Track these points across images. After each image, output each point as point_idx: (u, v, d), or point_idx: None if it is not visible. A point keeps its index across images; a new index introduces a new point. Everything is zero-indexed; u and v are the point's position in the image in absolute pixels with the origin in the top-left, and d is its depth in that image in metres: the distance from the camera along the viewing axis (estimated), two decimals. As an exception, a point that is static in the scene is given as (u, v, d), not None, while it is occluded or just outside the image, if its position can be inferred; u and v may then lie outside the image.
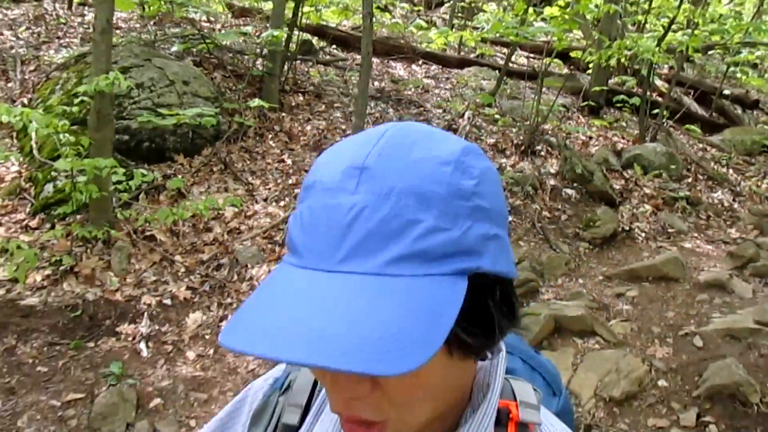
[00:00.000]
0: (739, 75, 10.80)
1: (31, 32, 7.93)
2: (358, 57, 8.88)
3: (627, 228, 5.40)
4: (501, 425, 0.63)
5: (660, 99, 8.72)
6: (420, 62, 9.59)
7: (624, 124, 8.57)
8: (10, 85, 6.24)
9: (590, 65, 8.80)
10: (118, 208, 4.45)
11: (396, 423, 0.56)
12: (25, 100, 5.97)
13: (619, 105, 8.57)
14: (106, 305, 3.78)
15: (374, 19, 7.97)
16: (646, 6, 9.67)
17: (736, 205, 6.48)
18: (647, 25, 10.56)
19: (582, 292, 4.14)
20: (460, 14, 13.32)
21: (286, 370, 0.78)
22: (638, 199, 6.06)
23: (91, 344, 3.48)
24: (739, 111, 10.76)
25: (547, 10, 7.93)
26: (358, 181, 0.51)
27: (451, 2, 13.73)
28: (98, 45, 4.10)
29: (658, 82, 10.50)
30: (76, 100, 4.08)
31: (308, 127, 6.45)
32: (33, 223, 4.52)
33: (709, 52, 10.81)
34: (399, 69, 9.17)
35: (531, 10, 8.60)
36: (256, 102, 5.30)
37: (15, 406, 2.95)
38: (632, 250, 5.06)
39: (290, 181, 5.46)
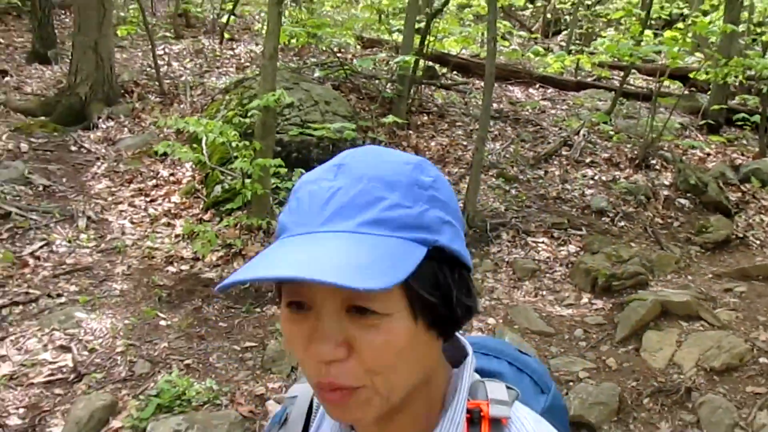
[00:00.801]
0: None
1: (194, 63, 9.20)
2: (477, 82, 9.49)
3: (741, 236, 5.57)
4: (475, 425, 0.68)
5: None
6: (537, 86, 10.03)
7: (744, 142, 8.55)
8: (182, 106, 7.38)
9: (710, 85, 8.88)
10: (275, 205, 5.27)
11: (370, 390, 0.61)
12: (194, 119, 7.04)
13: (739, 123, 8.57)
14: (267, 282, 4.54)
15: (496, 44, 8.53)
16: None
17: None
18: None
19: (690, 285, 4.43)
20: (577, 41, 13.64)
21: (284, 406, 0.83)
22: (755, 210, 6.17)
23: (258, 309, 4.24)
24: None
25: (667, 33, 8.18)
26: (336, 173, 0.62)
27: (569, 29, 14.09)
28: (266, 68, 4.97)
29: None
30: (249, 114, 4.93)
31: (432, 143, 7.09)
32: (206, 217, 5.44)
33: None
34: (516, 92, 9.66)
35: (650, 33, 8.86)
36: (390, 118, 6.01)
37: (206, 348, 3.73)
38: (745, 256, 5.23)
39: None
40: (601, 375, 3.52)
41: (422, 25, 7.59)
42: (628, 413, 3.19)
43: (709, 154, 7.72)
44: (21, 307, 3.92)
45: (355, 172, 0.62)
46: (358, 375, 0.60)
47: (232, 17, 11.30)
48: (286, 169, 4.85)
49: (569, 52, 11.00)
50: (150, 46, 8.17)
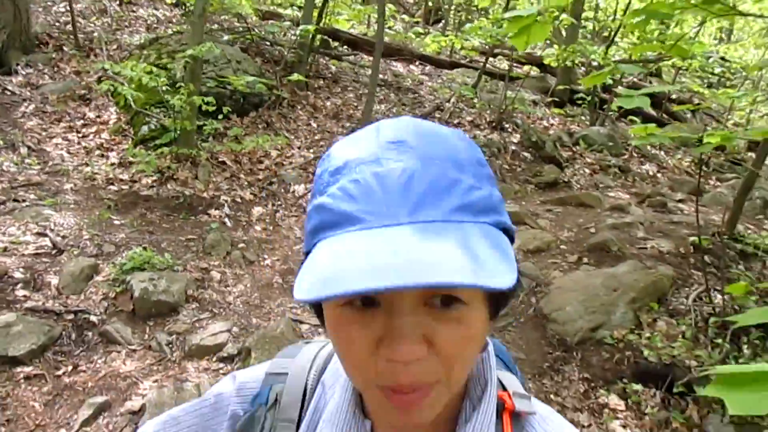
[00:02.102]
0: (686, 82, 12.70)
1: (102, 21, 9.76)
2: (365, 56, 10.74)
3: (566, 180, 7.24)
4: (497, 416, 0.67)
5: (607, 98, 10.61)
6: (417, 63, 11.46)
7: (583, 117, 10.44)
8: (100, 58, 8.05)
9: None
10: (198, 142, 6.26)
11: (445, 386, 0.59)
12: (113, 71, 7.77)
13: (579, 102, 10.46)
14: (198, 199, 5.57)
15: (376, 29, 9.86)
16: (612, 23, 11.60)
17: (659, 175, 8.34)
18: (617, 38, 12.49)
19: (522, 205, 5.96)
20: (453, 28, 15.26)
21: (265, 384, 0.77)
22: (579, 164, 7.91)
23: (193, 217, 5.27)
24: (689, 115, 12.69)
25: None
26: (399, 152, 0.57)
27: (445, 18, 15.70)
28: (195, 25, 5.95)
29: (620, 89, 12.40)
30: (181, 63, 5.88)
31: (328, 103, 8.28)
32: (135, 151, 6.32)
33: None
34: (399, 67, 11.03)
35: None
36: (295, 76, 7.13)
37: (157, 239, 4.74)
38: (566, 192, 6.89)
39: (316, 137, 7.29)
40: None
41: (319, 2, 8.73)
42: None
43: (552, 124, 9.47)
44: (-6, 207, 4.73)
45: (420, 150, 0.58)
46: (437, 370, 0.57)
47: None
48: (215, 107, 5.87)
49: (444, 35, 12.53)
50: (66, 2, 8.68)
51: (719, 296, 4.21)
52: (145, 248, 4.39)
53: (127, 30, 9.34)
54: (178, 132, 5.86)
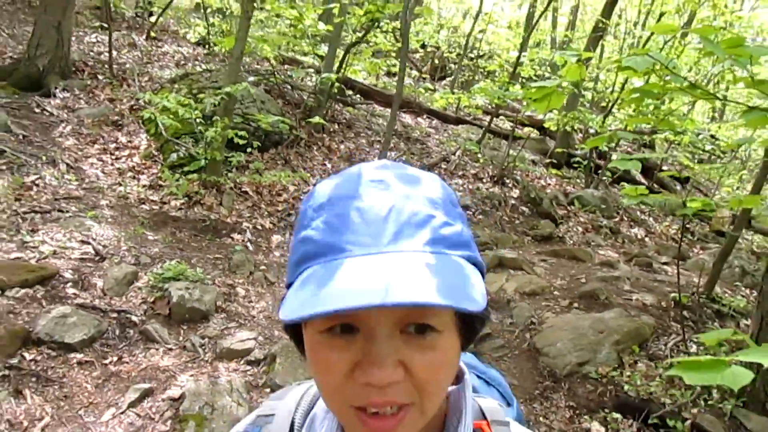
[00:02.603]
0: (677, 156, 13.41)
1: (132, 54, 10.38)
2: (376, 107, 11.38)
3: (561, 235, 7.75)
4: None
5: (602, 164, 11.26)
6: (424, 116, 12.11)
7: (578, 180, 11.05)
8: (132, 88, 8.61)
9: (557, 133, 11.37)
10: (225, 172, 6.75)
11: (418, 409, 0.62)
12: (144, 102, 8.32)
13: (575, 165, 11.08)
14: (222, 223, 6.03)
15: (386, 81, 10.50)
16: (611, 95, 12.35)
17: (647, 239, 8.88)
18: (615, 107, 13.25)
19: (519, 253, 6.45)
20: (459, 87, 16.04)
21: (255, 426, 0.81)
22: (573, 222, 8.44)
23: (218, 239, 5.72)
24: (679, 186, 13.35)
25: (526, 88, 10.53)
26: (378, 189, 0.63)
27: (453, 76, 16.50)
28: (233, 65, 6.52)
29: (615, 156, 13.09)
30: (218, 98, 6.41)
31: (342, 146, 8.84)
32: (168, 174, 6.80)
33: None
34: (408, 119, 11.67)
35: (518, 87, 11.23)
36: (315, 119, 7.69)
37: (187, 255, 5.17)
38: (560, 246, 7.39)
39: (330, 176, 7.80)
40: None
41: (339, 53, 9.38)
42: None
43: (549, 184, 10.04)
44: (39, 215, 5.16)
45: (399, 188, 0.63)
46: (411, 392, 0.60)
47: (159, 18, 12.55)
48: (245, 140, 6.39)
49: (452, 92, 13.25)
50: (108, 34, 9.29)
51: (694, 346, 4.68)
52: (179, 262, 4.82)
53: (157, 64, 9.94)
54: (207, 161, 6.35)
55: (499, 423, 0.72)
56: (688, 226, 9.59)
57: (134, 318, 4.08)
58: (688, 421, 3.90)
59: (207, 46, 11.82)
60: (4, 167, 5.93)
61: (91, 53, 9.77)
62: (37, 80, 8.43)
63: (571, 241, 7.79)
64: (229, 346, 3.98)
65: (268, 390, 3.62)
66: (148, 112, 6.22)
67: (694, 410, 4.01)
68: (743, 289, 6.53)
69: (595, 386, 4.17)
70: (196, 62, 10.68)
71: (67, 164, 6.47)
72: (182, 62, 10.50)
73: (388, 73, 14.11)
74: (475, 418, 0.71)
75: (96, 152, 7.02)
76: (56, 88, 8.32)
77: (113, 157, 6.99)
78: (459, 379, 0.73)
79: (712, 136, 12.71)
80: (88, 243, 4.84)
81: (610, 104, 10.03)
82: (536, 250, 6.92)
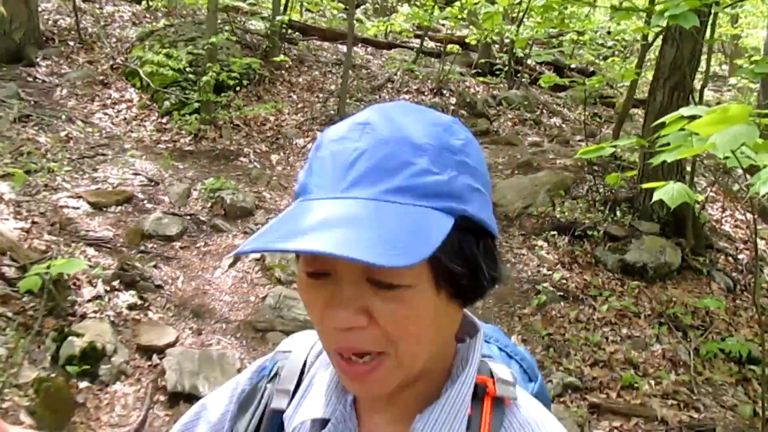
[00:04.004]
0: (583, 53, 15.25)
1: (86, 19, 11.17)
2: (315, 41, 12.57)
3: (495, 130, 9.43)
4: (478, 399, 0.68)
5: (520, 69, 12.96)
6: (359, 45, 13.40)
7: (501, 84, 12.71)
8: (105, 50, 9.56)
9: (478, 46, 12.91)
10: (215, 111, 8.02)
11: (393, 361, 0.61)
12: (121, 60, 9.33)
13: (497, 72, 12.73)
14: (228, 151, 7.37)
15: (315, 17, 11.70)
16: (521, 6, 13.92)
17: (563, 125, 10.69)
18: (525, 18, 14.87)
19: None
20: (373, 14, 17.26)
21: (274, 359, 0.82)
22: (504, 119, 10.13)
23: (230, 163, 7.08)
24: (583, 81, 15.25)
25: (449, 9, 11.97)
26: (362, 133, 0.60)
27: (368, 3, 17.66)
28: (210, 18, 7.70)
29: (531, 63, 14.81)
30: (203, 48, 7.59)
31: (300, 79, 10.13)
32: (164, 121, 8.01)
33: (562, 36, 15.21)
34: (344, 49, 12.93)
35: (437, 9, 12.65)
36: (280, 57, 8.95)
37: (216, 174, 6.53)
38: (494, 137, 9.08)
39: (299, 105, 9.15)
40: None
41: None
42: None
43: (478, 90, 11.66)
44: (88, 159, 6.39)
45: (381, 132, 0.60)
46: (380, 341, 0.60)
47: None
48: (234, 81, 7.67)
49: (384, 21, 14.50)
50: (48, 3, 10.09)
51: (601, 187, 6.47)
52: (215, 178, 6.20)
53: (115, 25, 10.81)
54: (201, 103, 7.61)
55: (504, 381, 0.69)
56: (596, 111, 11.46)
57: (202, 218, 5.50)
58: (601, 231, 5.69)
59: (146, 3, 12.54)
60: (36, 127, 7.04)
61: (50, 22, 10.53)
62: (16, 52, 9.26)
63: (504, 133, 9.48)
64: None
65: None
66: (150, 66, 7.36)
67: (605, 224, 5.81)
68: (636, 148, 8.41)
69: (537, 219, 5.92)
70: (145, 19, 11.53)
71: (82, 120, 7.59)
72: (137, 21, 11.35)
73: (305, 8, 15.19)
74: (483, 375, 0.69)
75: (97, 108, 8.12)
76: (36, 57, 9.19)
77: (114, 110, 8.12)
78: (473, 335, 0.72)
79: (608, 32, 14.50)
80: (139, 174, 6.15)
81: (521, 15, 11.60)
82: (479, 141, 8.56)
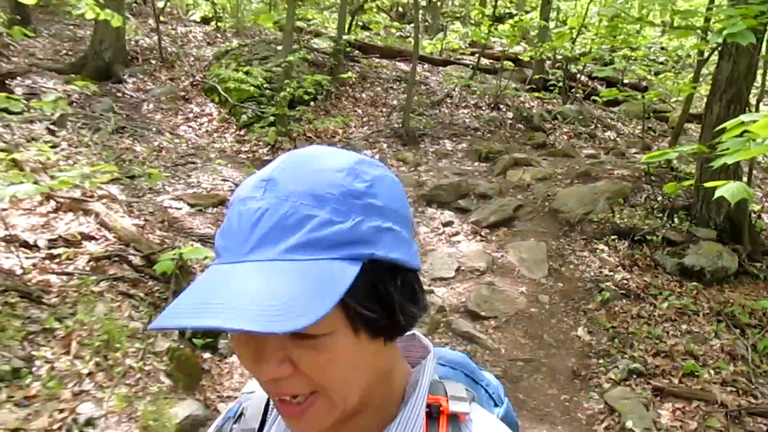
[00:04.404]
0: (635, 69, 15.47)
1: (164, 39, 11.99)
2: (374, 59, 13.15)
3: (552, 143, 9.80)
4: (433, 419, 0.70)
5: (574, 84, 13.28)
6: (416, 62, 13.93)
7: (555, 99, 13.05)
8: (185, 68, 10.31)
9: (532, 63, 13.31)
10: (289, 124, 8.61)
11: (325, 399, 0.63)
12: (199, 77, 10.05)
13: (551, 87, 13.08)
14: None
15: (372, 36, 12.27)
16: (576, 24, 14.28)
17: (618, 138, 10.97)
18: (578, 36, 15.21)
19: (525, 156, 8.49)
20: (423, 32, 17.81)
21: (239, 401, 0.84)
22: (559, 132, 10.48)
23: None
24: (640, 96, 15.45)
25: (501, 27, 12.42)
26: (264, 190, 0.60)
27: (414, 22, 18.23)
28: (287, 38, 8.32)
29: (583, 78, 15.11)
30: (279, 65, 8.21)
31: (364, 95, 10.70)
32: (242, 133, 8.64)
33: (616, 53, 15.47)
34: (403, 66, 13.49)
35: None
36: (347, 74, 9.53)
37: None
38: (552, 149, 9.44)
39: (364, 119, 9.69)
40: (496, 186, 7.40)
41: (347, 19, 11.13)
42: (502, 193, 7.09)
43: (533, 105, 12.03)
44: (181, 167, 7.02)
45: (282, 188, 0.60)
46: (308, 384, 0.62)
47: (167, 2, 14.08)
48: (309, 96, 8.26)
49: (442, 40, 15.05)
50: (155, 25, 10.91)
51: (659, 196, 6.78)
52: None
53: (192, 44, 11.60)
54: (276, 117, 8.21)
55: (457, 398, 0.71)
56: (650, 125, 11.70)
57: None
58: (660, 236, 6.01)
59: (216, 24, 13.34)
60: (131, 138, 7.74)
61: (132, 42, 11.36)
62: (106, 70, 10.08)
63: (560, 146, 9.83)
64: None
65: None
66: (231, 82, 8.01)
67: (663, 230, 6.12)
68: (692, 160, 8.66)
69: (597, 225, 6.27)
70: (217, 39, 12.31)
71: (170, 132, 8.27)
72: (210, 41, 12.13)
73: (364, 27, 15.82)
74: (437, 394, 0.71)
75: (181, 121, 8.81)
76: (123, 75, 9.99)
77: (197, 123, 8.80)
78: (426, 356, 0.75)
79: (662, 48, 14.71)
80: (227, 180, 6.74)
81: (574, 34, 11.96)
82: (537, 154, 8.96)
